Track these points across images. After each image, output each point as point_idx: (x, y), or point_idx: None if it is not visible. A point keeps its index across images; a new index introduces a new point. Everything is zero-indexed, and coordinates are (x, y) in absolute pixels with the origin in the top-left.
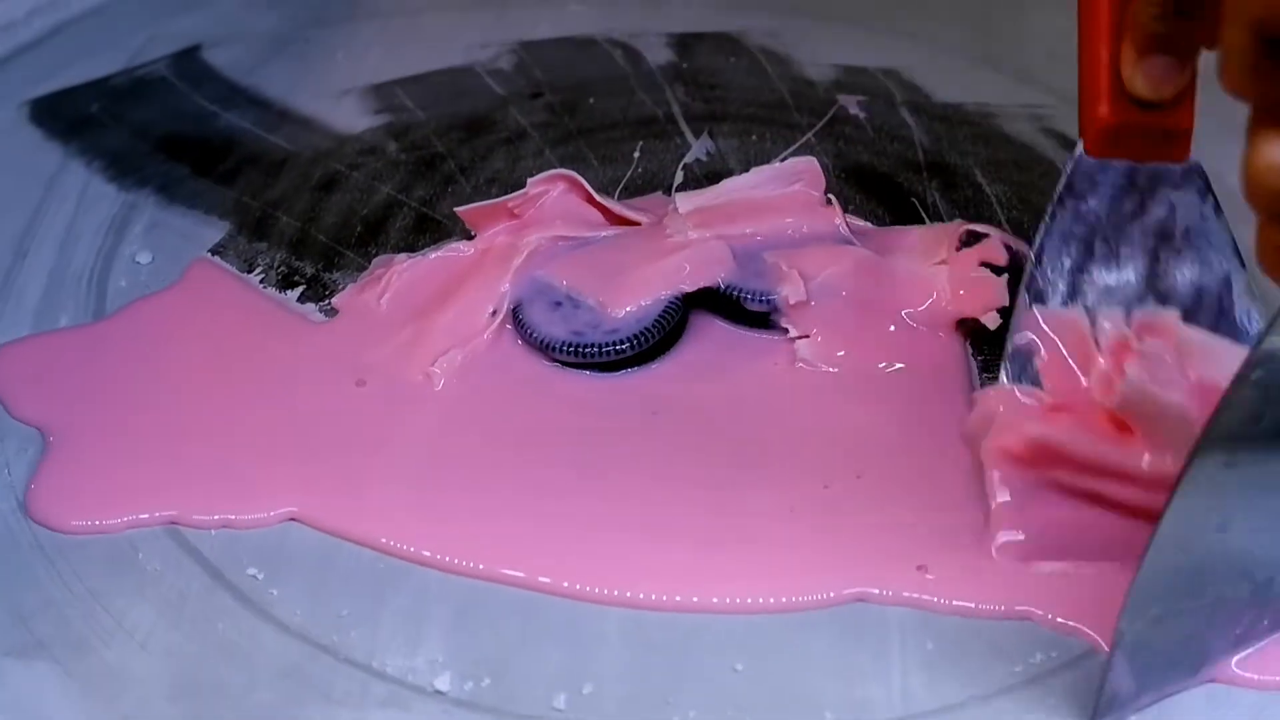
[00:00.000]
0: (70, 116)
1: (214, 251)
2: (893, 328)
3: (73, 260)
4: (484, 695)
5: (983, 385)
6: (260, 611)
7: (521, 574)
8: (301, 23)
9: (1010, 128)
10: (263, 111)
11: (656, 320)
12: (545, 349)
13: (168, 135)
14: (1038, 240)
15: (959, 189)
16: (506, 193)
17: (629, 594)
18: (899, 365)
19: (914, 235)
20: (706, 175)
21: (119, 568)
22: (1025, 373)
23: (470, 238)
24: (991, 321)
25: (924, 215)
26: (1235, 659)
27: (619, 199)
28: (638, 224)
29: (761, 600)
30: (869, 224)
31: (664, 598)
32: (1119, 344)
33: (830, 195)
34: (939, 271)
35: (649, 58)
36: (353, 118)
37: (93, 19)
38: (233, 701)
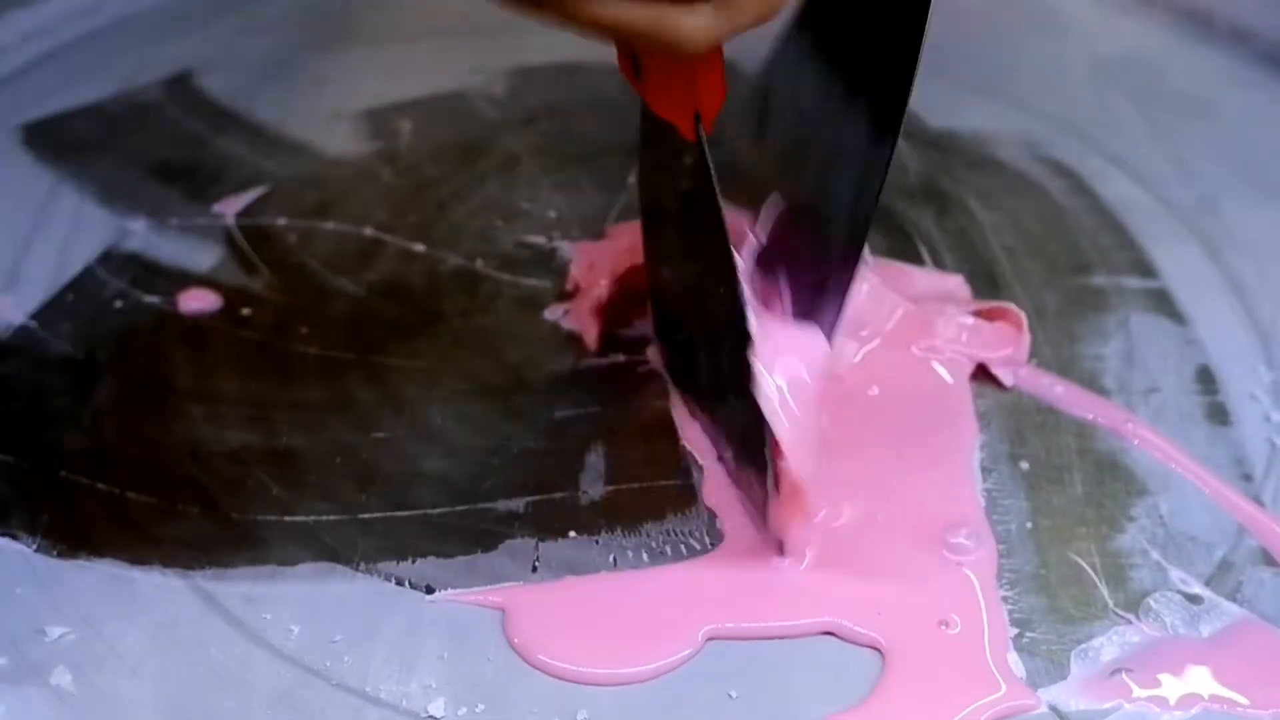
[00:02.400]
0: (63, 141)
1: (206, 281)
2: (899, 354)
3: (65, 284)
4: None
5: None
6: (253, 636)
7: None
8: (294, 48)
9: (1004, 154)
10: (255, 137)
11: None
12: None
13: (160, 160)
14: None
15: (952, 216)
16: (499, 219)
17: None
18: (901, 391)
19: (918, 278)
20: None
21: (111, 593)
22: None
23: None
24: (1007, 379)
25: (917, 242)
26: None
27: (614, 223)
28: None
29: (756, 626)
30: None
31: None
32: None
33: None
34: (946, 310)
35: None
36: (345, 143)
37: (86, 44)
38: None
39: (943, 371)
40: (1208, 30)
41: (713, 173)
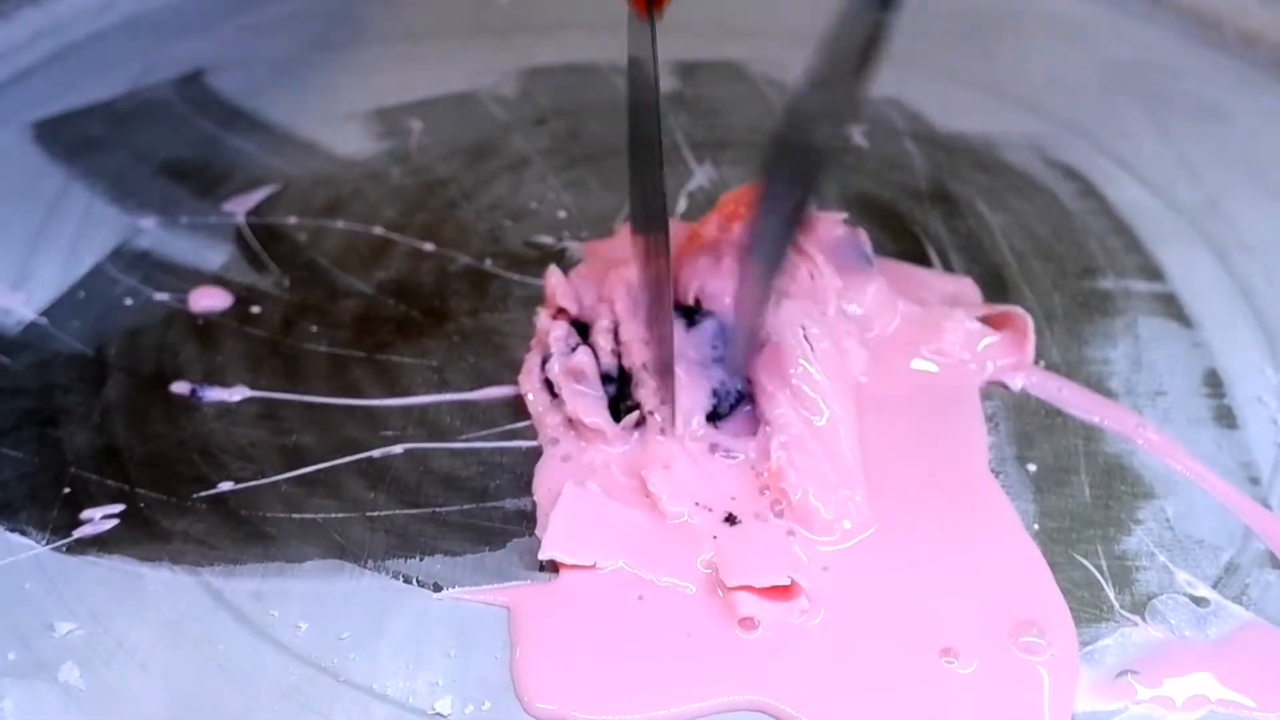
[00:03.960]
0: (73, 139)
1: (216, 279)
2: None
3: (75, 281)
4: (484, 719)
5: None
6: (260, 633)
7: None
8: (305, 47)
9: (1011, 157)
10: (265, 136)
11: None
12: None
13: (170, 158)
14: None
15: (960, 218)
16: (508, 218)
17: None
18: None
19: (927, 280)
20: (710, 202)
21: (120, 588)
22: None
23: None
24: (1015, 383)
25: (925, 244)
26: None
27: (621, 224)
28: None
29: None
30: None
31: None
32: None
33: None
34: (954, 314)
35: None
36: (356, 142)
37: (96, 43)
38: None
39: (950, 379)
40: (1217, 35)
41: (656, 56)
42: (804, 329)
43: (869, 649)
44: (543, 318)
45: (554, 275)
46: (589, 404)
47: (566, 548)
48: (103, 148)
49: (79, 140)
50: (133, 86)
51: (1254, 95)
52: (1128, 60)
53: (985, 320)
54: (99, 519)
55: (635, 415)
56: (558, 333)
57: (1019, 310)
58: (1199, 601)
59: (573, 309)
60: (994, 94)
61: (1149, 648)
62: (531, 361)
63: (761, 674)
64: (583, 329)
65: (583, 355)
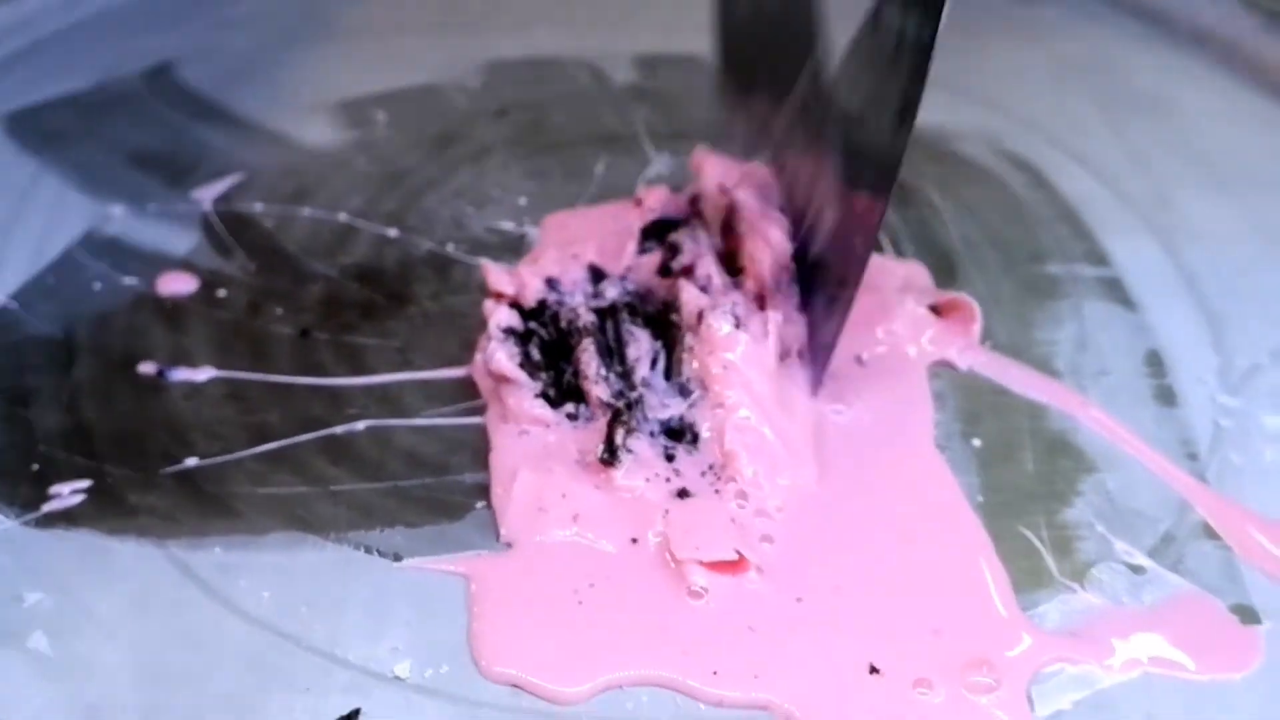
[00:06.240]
0: (45, 130)
1: (183, 263)
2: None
3: (45, 267)
4: (443, 681)
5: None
6: (225, 602)
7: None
8: (272, 41)
9: (966, 148)
10: (233, 127)
11: None
12: None
13: (139, 149)
14: None
15: (914, 206)
16: (470, 205)
17: None
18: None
19: (879, 266)
20: (673, 190)
21: (88, 561)
22: None
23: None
24: (962, 363)
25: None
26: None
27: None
28: None
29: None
30: None
31: None
32: None
33: None
34: (905, 302)
35: (614, 77)
36: (322, 133)
37: (66, 36)
38: (196, 688)
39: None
40: (1169, 31)
41: None
42: (734, 307)
43: (808, 622)
44: (486, 304)
45: (487, 265)
46: (519, 395)
47: (525, 533)
48: (73, 139)
49: (50, 132)
50: (102, 79)
51: (1204, 91)
52: (1081, 56)
53: (934, 307)
54: (67, 494)
55: (570, 405)
56: (498, 318)
57: (966, 297)
58: (1136, 570)
59: (509, 290)
60: (949, 88)
61: (1087, 613)
62: (479, 347)
63: (713, 641)
64: (533, 311)
65: (501, 354)
